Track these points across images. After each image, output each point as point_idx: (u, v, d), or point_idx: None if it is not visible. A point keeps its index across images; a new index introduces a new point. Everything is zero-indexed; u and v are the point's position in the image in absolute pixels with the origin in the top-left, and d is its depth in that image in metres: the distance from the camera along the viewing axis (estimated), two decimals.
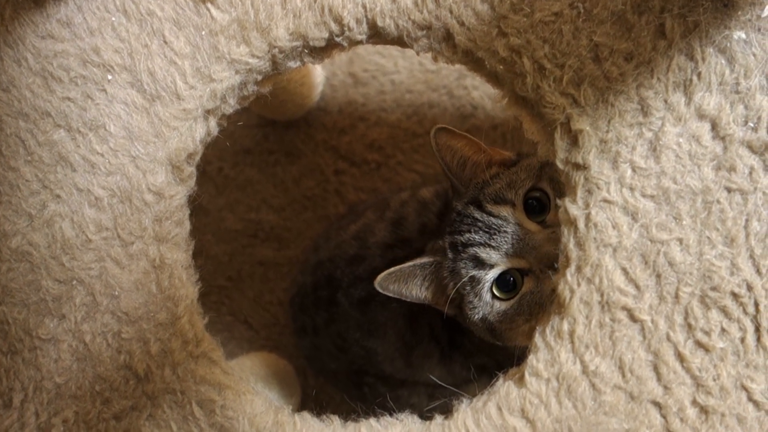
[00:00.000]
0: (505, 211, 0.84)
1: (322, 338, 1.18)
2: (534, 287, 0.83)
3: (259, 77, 0.82)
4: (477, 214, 0.85)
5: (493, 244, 0.84)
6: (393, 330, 1.07)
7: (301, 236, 1.40)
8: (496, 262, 0.84)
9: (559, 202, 0.76)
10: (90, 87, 0.79)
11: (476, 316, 0.88)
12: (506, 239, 0.83)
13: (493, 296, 0.85)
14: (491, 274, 0.84)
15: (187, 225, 0.84)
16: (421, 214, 1.08)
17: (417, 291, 0.90)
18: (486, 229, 0.84)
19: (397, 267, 0.87)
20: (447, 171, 0.90)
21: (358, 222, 1.18)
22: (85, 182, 0.80)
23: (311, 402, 0.92)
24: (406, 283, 0.89)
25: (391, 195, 1.25)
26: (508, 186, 0.86)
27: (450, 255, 0.88)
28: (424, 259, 0.89)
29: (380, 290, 0.87)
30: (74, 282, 0.80)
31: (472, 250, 0.85)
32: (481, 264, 0.84)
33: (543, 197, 0.84)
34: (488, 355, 1.03)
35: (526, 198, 0.84)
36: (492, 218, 0.84)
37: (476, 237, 0.84)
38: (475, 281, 0.85)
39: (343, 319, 1.12)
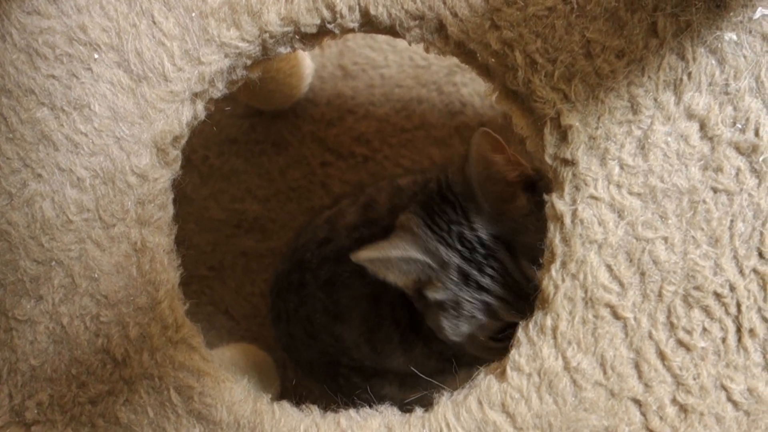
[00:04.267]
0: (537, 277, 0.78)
1: (293, 325, 1.17)
2: None
3: (249, 62, 0.81)
4: (509, 265, 0.80)
5: (515, 306, 0.80)
6: (356, 312, 1.05)
7: (285, 228, 1.39)
8: (511, 319, 0.81)
9: (546, 197, 0.76)
10: (75, 65, 0.78)
11: (445, 331, 0.86)
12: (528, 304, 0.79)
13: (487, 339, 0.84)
14: (498, 325, 0.82)
15: (171, 209, 0.83)
16: (393, 197, 1.05)
17: (393, 277, 0.87)
18: (514, 288, 0.80)
19: (384, 253, 0.83)
20: (476, 182, 0.82)
21: (333, 209, 1.17)
22: (68, 162, 0.78)
23: (290, 394, 0.91)
24: (387, 269, 0.85)
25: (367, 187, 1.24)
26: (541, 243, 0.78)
27: (454, 276, 0.83)
28: (414, 255, 0.84)
29: (355, 261, 0.83)
30: (53, 263, 0.79)
31: (488, 298, 0.81)
32: (492, 314, 0.82)
33: None
34: (444, 343, 0.98)
35: None
36: (524, 280, 0.79)
37: (499, 289, 0.80)
38: (473, 319, 0.83)
39: (311, 302, 1.11)
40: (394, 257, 0.84)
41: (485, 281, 0.82)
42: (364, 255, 0.83)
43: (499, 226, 0.83)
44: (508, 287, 0.81)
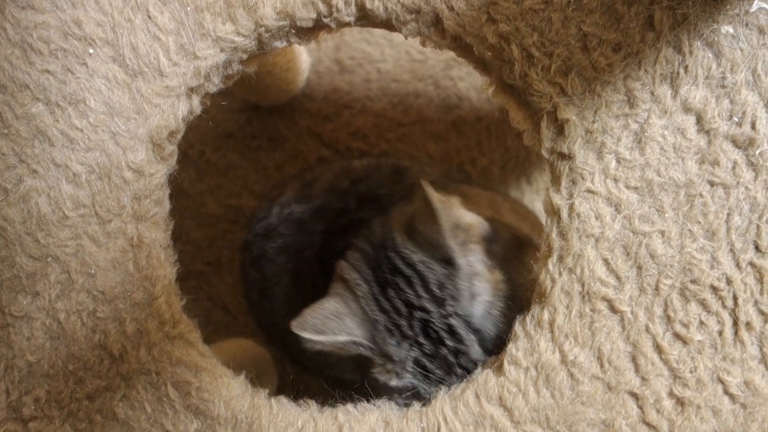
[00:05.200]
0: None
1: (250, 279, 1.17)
2: None
3: (245, 56, 0.81)
4: (474, 354, 0.74)
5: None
6: (279, 288, 1.02)
7: None
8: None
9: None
10: (70, 60, 0.78)
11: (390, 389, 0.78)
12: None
13: None
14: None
15: (167, 204, 0.82)
16: (337, 178, 1.02)
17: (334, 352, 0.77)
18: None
19: (330, 339, 0.74)
20: (446, 236, 0.72)
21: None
22: (63, 157, 0.78)
23: (288, 389, 0.91)
24: (329, 349, 0.76)
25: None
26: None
27: (410, 368, 0.74)
28: (361, 340, 0.74)
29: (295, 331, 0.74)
30: (49, 259, 0.78)
31: (425, 363, 0.73)
32: (426, 379, 0.75)
33: None
34: None
35: None
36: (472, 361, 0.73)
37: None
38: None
39: (247, 281, 1.12)
40: (340, 342, 0.75)
41: (449, 371, 0.74)
42: (310, 337, 0.74)
43: (470, 307, 0.73)
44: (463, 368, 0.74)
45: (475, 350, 0.74)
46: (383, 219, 0.83)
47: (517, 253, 0.78)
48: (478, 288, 0.74)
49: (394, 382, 0.76)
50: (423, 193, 0.72)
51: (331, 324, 0.74)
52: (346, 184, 1.03)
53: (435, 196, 0.71)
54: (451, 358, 0.73)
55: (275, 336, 1.15)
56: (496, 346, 0.75)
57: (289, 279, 1.03)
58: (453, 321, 0.73)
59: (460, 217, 0.74)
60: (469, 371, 0.75)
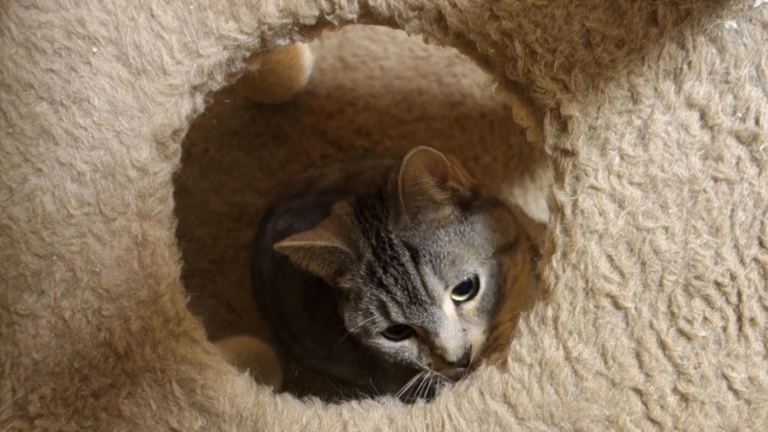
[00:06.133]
0: (435, 291, 0.81)
1: (252, 275, 1.18)
2: (417, 350, 0.85)
3: (248, 54, 0.81)
4: (411, 270, 0.82)
5: (407, 311, 0.82)
6: (299, 274, 1.04)
7: None
8: (399, 321, 0.83)
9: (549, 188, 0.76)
10: (74, 59, 0.78)
11: (350, 327, 0.87)
12: (422, 313, 0.81)
13: (379, 335, 0.86)
14: (387, 324, 0.84)
15: (171, 202, 0.83)
16: (379, 174, 1.04)
17: (315, 267, 0.87)
18: (411, 293, 0.82)
19: (308, 243, 0.84)
20: (401, 192, 0.83)
21: (317, 171, 1.18)
22: (68, 156, 0.78)
23: (293, 386, 0.91)
24: (311, 259, 0.86)
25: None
26: (453, 261, 0.81)
27: (363, 271, 0.85)
28: (340, 245, 0.85)
29: (278, 250, 0.84)
30: (54, 257, 0.79)
31: (384, 296, 0.83)
32: (385, 312, 0.83)
33: (474, 281, 0.82)
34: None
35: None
36: (423, 288, 0.81)
37: (398, 293, 0.82)
38: (368, 314, 0.84)
39: (262, 251, 1.11)
40: (318, 246, 0.85)
41: (386, 280, 0.83)
42: (288, 243, 0.83)
43: (412, 233, 0.84)
44: (405, 291, 0.82)
45: (407, 262, 0.82)
46: (387, 168, 0.94)
47: (492, 208, 0.88)
48: (420, 217, 0.85)
49: (348, 285, 0.86)
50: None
51: (310, 234, 0.86)
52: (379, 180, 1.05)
53: (409, 157, 0.80)
54: (389, 262, 0.83)
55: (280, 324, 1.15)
56: (430, 264, 0.82)
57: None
58: (392, 236, 0.84)
59: (422, 184, 0.83)
60: (412, 292, 0.82)
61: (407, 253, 0.83)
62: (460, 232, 0.83)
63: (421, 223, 0.84)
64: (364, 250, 0.85)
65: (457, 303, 0.82)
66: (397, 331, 0.85)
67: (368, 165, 1.13)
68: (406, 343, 0.85)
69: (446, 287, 0.81)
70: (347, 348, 0.99)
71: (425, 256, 0.82)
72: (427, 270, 0.81)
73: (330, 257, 0.86)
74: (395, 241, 0.84)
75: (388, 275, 0.83)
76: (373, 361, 0.98)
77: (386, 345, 0.86)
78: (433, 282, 0.81)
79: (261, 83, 1.10)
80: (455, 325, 0.81)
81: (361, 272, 0.85)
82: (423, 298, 0.81)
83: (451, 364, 0.81)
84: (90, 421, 0.79)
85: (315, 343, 1.12)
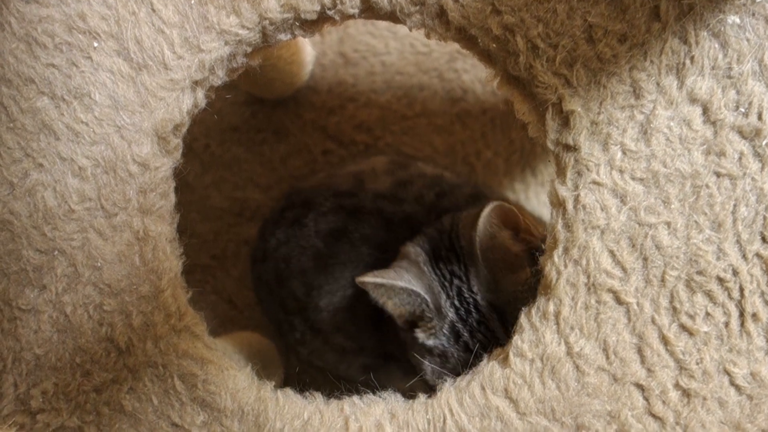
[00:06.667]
0: None
1: (267, 264, 1.16)
2: None
3: (249, 49, 0.81)
4: (500, 335, 0.82)
5: None
6: (350, 273, 1.04)
7: None
8: None
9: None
10: (75, 54, 0.78)
11: (425, 373, 0.87)
12: None
13: None
14: None
15: (172, 198, 0.82)
16: (426, 188, 1.07)
17: (390, 306, 0.88)
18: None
19: (390, 282, 0.85)
20: (480, 250, 0.84)
21: (362, 164, 1.17)
22: (69, 151, 0.78)
23: (294, 381, 0.91)
24: (389, 297, 0.87)
25: (413, 161, 1.24)
26: None
27: (446, 330, 0.86)
28: (420, 291, 0.86)
29: (360, 285, 0.85)
30: (56, 252, 0.79)
31: (472, 359, 0.82)
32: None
33: None
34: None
35: None
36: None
37: (484, 354, 0.81)
38: (454, 369, 0.84)
39: (299, 243, 1.10)
40: (399, 287, 0.85)
41: (473, 345, 0.83)
42: (371, 279, 0.85)
43: (496, 294, 0.85)
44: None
45: (496, 325, 0.83)
46: (453, 215, 0.96)
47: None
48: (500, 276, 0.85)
49: (430, 341, 0.86)
50: (485, 206, 0.83)
51: (391, 274, 0.87)
52: (432, 198, 1.06)
53: (486, 214, 0.82)
54: (476, 326, 0.84)
55: (296, 313, 1.15)
56: None
57: (365, 271, 1.04)
58: (478, 298, 0.84)
59: (498, 238, 0.85)
60: (489, 346, 0.81)
61: (495, 316, 0.83)
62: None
63: (501, 282, 0.84)
64: (446, 310, 0.85)
65: None
66: None
67: (417, 172, 1.13)
68: None
69: None
70: (375, 353, 1.04)
71: (512, 320, 0.80)
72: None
73: (408, 299, 0.87)
74: (481, 303, 0.84)
75: (475, 340, 0.83)
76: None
77: None
78: None
79: (262, 78, 1.11)
80: None
81: (444, 331, 0.86)
82: None
83: None
84: (92, 416, 0.79)
85: (346, 338, 1.12)
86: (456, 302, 0.85)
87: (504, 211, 0.83)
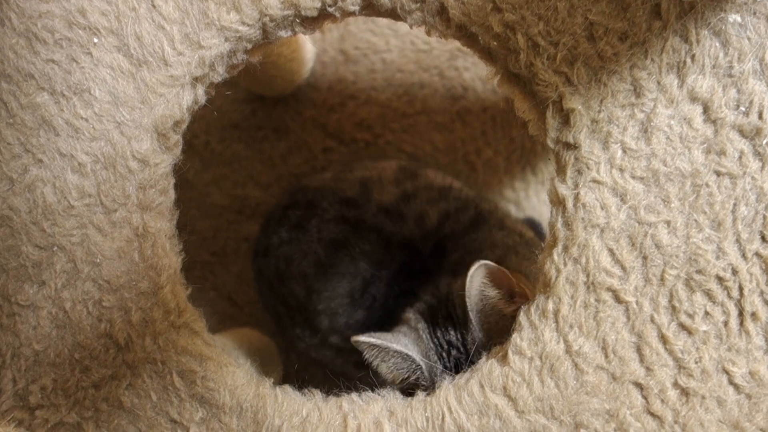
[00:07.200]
0: None
1: (269, 260, 1.17)
2: None
3: (249, 46, 0.81)
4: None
5: None
6: (348, 283, 1.06)
7: None
8: None
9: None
10: (75, 50, 0.78)
11: None
12: None
13: None
14: None
15: (172, 194, 0.82)
16: (431, 204, 1.07)
17: (384, 370, 0.88)
18: None
19: (385, 343, 0.84)
20: (472, 312, 0.83)
21: (370, 170, 1.16)
22: (68, 147, 0.78)
23: (293, 378, 0.91)
24: (382, 360, 0.87)
25: (425, 166, 1.23)
26: None
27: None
28: (413, 355, 0.85)
29: (354, 344, 0.85)
30: (55, 248, 0.79)
31: None
32: None
33: None
34: None
35: None
36: None
37: None
38: None
39: (300, 247, 1.11)
40: (394, 349, 0.85)
41: None
42: (366, 339, 0.85)
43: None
44: None
45: None
46: (449, 281, 0.97)
47: None
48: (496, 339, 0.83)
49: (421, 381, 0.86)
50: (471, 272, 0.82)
51: (388, 337, 0.87)
52: (434, 217, 1.07)
53: (471, 275, 0.82)
54: None
55: (297, 311, 1.16)
56: None
57: (361, 283, 1.06)
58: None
59: (490, 300, 0.84)
60: None
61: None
62: None
63: (497, 343, 0.82)
64: (442, 379, 0.82)
65: None
66: None
67: (423, 182, 1.13)
68: None
69: None
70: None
71: None
72: None
73: (402, 364, 0.86)
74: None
75: None
76: None
77: None
78: None
79: (262, 75, 1.10)
80: None
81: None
82: None
83: None
84: (90, 412, 0.79)
85: (341, 340, 1.13)
86: (454, 372, 0.84)
87: (491, 271, 0.82)
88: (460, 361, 0.85)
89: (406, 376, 0.88)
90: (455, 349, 0.87)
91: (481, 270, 0.81)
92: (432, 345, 0.88)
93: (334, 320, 1.10)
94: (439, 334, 0.89)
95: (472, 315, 0.83)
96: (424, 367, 0.86)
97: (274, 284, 1.18)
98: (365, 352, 0.86)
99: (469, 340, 0.86)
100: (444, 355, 0.87)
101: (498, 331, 0.83)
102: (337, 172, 1.21)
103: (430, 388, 0.83)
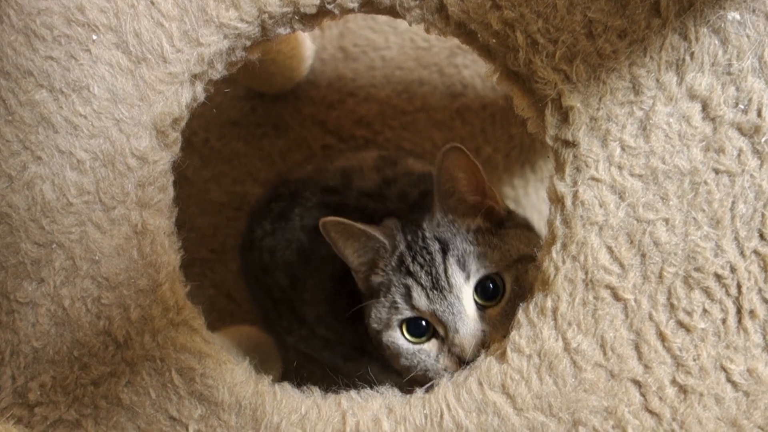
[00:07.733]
0: (456, 279, 0.83)
1: (253, 252, 1.18)
2: (437, 351, 0.85)
3: (248, 43, 0.80)
4: (437, 258, 0.85)
5: (429, 295, 0.84)
6: (329, 268, 1.07)
7: None
8: (421, 308, 0.84)
9: (550, 182, 0.76)
10: (74, 47, 0.78)
11: (373, 323, 0.89)
12: (442, 301, 0.83)
13: (399, 329, 0.87)
14: (410, 314, 0.86)
15: (171, 191, 0.82)
16: (411, 186, 1.08)
17: (350, 252, 0.91)
18: (434, 279, 0.84)
19: (350, 222, 0.87)
20: (436, 190, 0.88)
21: (350, 160, 1.18)
22: (67, 144, 0.78)
23: (292, 375, 0.91)
24: (347, 239, 0.89)
25: (406, 155, 1.25)
26: (477, 256, 0.85)
27: (394, 262, 0.89)
28: (377, 234, 0.89)
29: (321, 230, 0.87)
30: (54, 245, 0.79)
31: (410, 282, 0.86)
32: (408, 298, 0.85)
33: (500, 285, 0.84)
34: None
35: (485, 278, 0.84)
36: (445, 275, 0.84)
37: (422, 276, 0.85)
38: (393, 304, 0.87)
39: (284, 236, 1.12)
40: (357, 228, 0.88)
41: (413, 267, 0.86)
42: (333, 219, 0.87)
43: (444, 229, 0.88)
44: (429, 275, 0.85)
45: (436, 251, 0.86)
46: (417, 178, 1.06)
47: (523, 229, 0.93)
48: (452, 218, 0.90)
49: (379, 279, 0.90)
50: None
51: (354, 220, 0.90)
52: (415, 194, 1.09)
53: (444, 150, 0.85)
54: (419, 251, 0.88)
55: (283, 302, 1.17)
56: (456, 258, 0.86)
57: (343, 266, 1.04)
58: (426, 232, 0.89)
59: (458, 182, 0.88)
60: (435, 277, 0.85)
61: (437, 245, 0.86)
62: (489, 238, 0.87)
63: (453, 223, 0.88)
64: (398, 243, 0.89)
65: (484, 308, 0.84)
66: (418, 334, 0.86)
67: (403, 169, 1.15)
68: (425, 345, 0.86)
69: (467, 278, 0.83)
70: (352, 345, 1.05)
71: (453, 250, 0.85)
72: (452, 261, 0.85)
73: (366, 244, 0.90)
74: (428, 235, 0.88)
75: (416, 263, 0.86)
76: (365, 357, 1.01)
77: (405, 346, 0.86)
78: (455, 271, 0.83)
79: (261, 73, 1.10)
80: (475, 324, 0.82)
81: (392, 263, 0.89)
82: (443, 284, 0.83)
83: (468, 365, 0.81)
84: (89, 409, 0.79)
85: (327, 329, 1.14)
86: (408, 237, 0.89)
87: (464, 155, 0.85)
88: (416, 231, 0.89)
89: (371, 257, 0.91)
90: (417, 226, 0.91)
91: (454, 150, 0.84)
92: (399, 230, 0.92)
93: (319, 308, 1.11)
94: (409, 225, 0.93)
95: (436, 188, 0.87)
96: (387, 243, 0.89)
97: (259, 277, 1.19)
98: (331, 232, 0.88)
99: (426, 217, 0.90)
100: (407, 230, 0.91)
101: (453, 209, 0.88)
102: (318, 164, 1.22)
103: (390, 258, 0.89)
